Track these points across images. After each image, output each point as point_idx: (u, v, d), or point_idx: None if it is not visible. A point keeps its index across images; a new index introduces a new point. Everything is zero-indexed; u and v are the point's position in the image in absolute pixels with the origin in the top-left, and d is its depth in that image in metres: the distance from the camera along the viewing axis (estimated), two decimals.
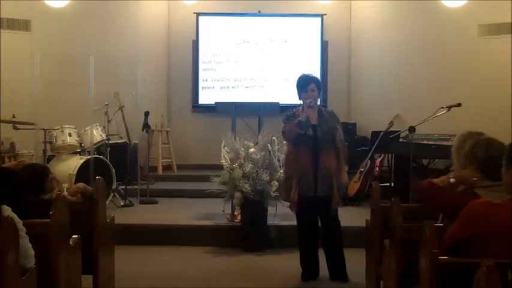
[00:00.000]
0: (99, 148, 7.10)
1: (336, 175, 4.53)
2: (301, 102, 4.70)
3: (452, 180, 2.97)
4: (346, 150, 4.73)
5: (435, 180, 3.07)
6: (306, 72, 4.87)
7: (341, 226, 4.74)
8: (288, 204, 4.72)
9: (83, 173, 6.37)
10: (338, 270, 4.65)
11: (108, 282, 4.02)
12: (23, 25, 8.05)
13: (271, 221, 5.70)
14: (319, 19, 9.26)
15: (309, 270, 4.70)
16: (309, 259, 4.71)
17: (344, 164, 4.63)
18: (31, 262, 2.76)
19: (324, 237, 4.72)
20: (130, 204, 6.89)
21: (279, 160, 5.58)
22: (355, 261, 4.59)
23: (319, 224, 4.73)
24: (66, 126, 6.78)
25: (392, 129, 7.31)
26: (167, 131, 8.95)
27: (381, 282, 3.68)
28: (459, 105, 6.13)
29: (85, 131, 6.89)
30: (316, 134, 4.54)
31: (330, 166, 4.51)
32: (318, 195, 4.51)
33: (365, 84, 9.15)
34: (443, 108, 6.16)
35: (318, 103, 4.70)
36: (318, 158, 4.51)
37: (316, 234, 4.71)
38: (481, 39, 8.01)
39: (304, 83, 4.67)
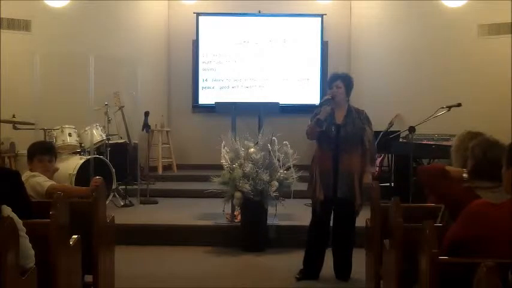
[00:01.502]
0: (99, 148, 7.10)
1: (359, 176, 4.45)
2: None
3: (465, 175, 2.93)
4: (374, 151, 4.59)
5: (448, 168, 3.03)
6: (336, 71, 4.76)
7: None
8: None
9: (83, 173, 6.38)
10: (344, 271, 4.65)
11: (108, 282, 4.02)
12: (23, 25, 8.05)
13: (271, 221, 5.70)
14: (319, 19, 9.26)
15: (310, 270, 4.69)
16: (313, 259, 4.69)
17: (370, 165, 4.51)
18: (31, 262, 2.76)
19: (336, 237, 4.65)
20: (130, 204, 6.89)
21: (279, 160, 5.58)
22: (355, 261, 4.59)
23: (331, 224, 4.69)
24: (66, 126, 6.78)
25: (392, 129, 7.30)
26: (167, 131, 8.95)
27: (381, 282, 3.69)
28: (459, 105, 6.13)
29: (85, 131, 6.89)
30: (340, 134, 4.47)
31: (352, 167, 4.44)
32: (338, 196, 4.47)
33: (365, 84, 9.11)
34: (443, 108, 6.17)
35: (346, 101, 4.58)
36: (339, 159, 4.45)
37: (326, 235, 4.68)
38: (481, 39, 8.01)
39: (331, 80, 4.59)
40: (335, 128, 4.49)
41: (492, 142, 2.81)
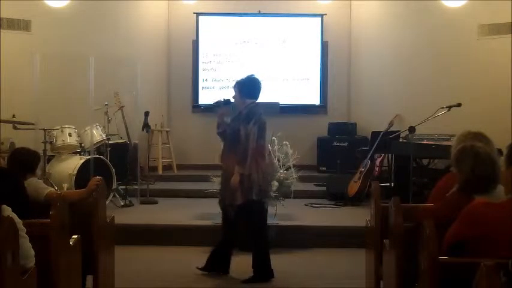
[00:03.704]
0: (99, 148, 7.10)
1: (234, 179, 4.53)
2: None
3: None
4: (243, 151, 4.48)
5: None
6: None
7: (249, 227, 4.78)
8: None
9: (83, 173, 6.37)
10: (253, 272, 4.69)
11: (108, 282, 4.03)
12: (23, 25, 8.04)
13: (271, 221, 5.69)
14: (319, 19, 9.25)
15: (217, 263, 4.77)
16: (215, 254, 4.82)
17: (238, 165, 4.47)
18: (31, 262, 2.76)
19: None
20: (130, 204, 6.89)
21: (279, 160, 5.58)
22: (355, 261, 4.59)
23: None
24: (66, 126, 6.78)
25: (392, 129, 7.30)
26: (167, 131, 8.94)
27: (381, 282, 3.69)
28: (459, 105, 6.14)
29: (85, 131, 6.89)
30: (225, 135, 4.71)
31: (228, 167, 4.59)
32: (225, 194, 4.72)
33: (365, 84, 9.14)
34: (443, 108, 6.17)
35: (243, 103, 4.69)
36: (222, 159, 4.72)
37: (226, 230, 4.87)
38: (481, 39, 8.00)
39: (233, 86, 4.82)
40: (227, 129, 4.71)
41: (478, 155, 2.76)
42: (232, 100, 4.77)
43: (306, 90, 9.11)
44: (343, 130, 8.88)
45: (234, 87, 4.74)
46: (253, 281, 4.61)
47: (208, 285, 4.59)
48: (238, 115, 4.69)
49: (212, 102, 4.80)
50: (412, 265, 2.80)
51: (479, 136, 3.01)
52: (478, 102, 7.61)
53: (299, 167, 5.74)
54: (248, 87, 4.71)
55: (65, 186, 6.31)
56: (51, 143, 6.70)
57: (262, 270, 4.66)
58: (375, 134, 7.46)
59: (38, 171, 4.01)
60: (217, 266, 4.79)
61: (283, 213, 5.88)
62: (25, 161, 3.81)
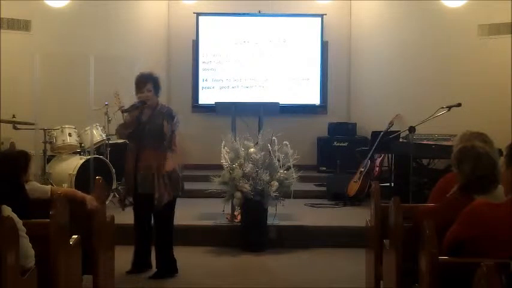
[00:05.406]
0: (99, 148, 7.10)
1: (161, 169, 4.52)
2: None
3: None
4: (172, 140, 4.57)
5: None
6: (144, 71, 4.79)
7: (172, 225, 4.75)
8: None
9: (83, 173, 6.38)
10: (161, 268, 4.68)
11: (108, 282, 4.02)
12: (23, 25, 8.04)
13: (271, 221, 5.70)
14: (319, 19, 9.25)
15: (138, 262, 4.76)
16: (140, 255, 4.78)
17: (171, 154, 4.53)
18: (31, 262, 2.77)
19: (155, 235, 4.77)
20: (130, 204, 6.84)
21: (279, 160, 5.59)
22: (355, 261, 4.59)
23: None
24: (66, 126, 6.78)
25: (392, 129, 7.30)
26: None
27: (381, 282, 3.69)
28: (459, 105, 6.13)
29: (85, 131, 6.89)
30: (144, 132, 4.63)
31: (153, 162, 4.54)
32: (139, 192, 4.62)
33: (365, 84, 9.14)
34: (443, 108, 6.17)
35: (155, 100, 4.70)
36: (142, 156, 4.59)
37: (144, 230, 4.79)
38: (481, 39, 8.00)
39: (141, 83, 4.66)
40: (140, 127, 4.64)
41: (479, 155, 2.76)
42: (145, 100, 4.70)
43: (306, 90, 9.11)
44: (343, 130, 8.88)
45: (148, 85, 4.62)
46: (159, 277, 4.65)
47: (208, 285, 4.59)
48: (157, 112, 4.66)
49: (133, 104, 4.72)
50: (412, 265, 2.80)
51: (480, 136, 3.00)
52: (478, 102, 7.60)
53: (299, 167, 5.74)
54: (160, 84, 4.74)
55: (65, 186, 6.31)
56: (51, 143, 6.70)
57: (168, 265, 4.70)
58: (375, 134, 7.46)
59: (36, 171, 3.97)
60: (141, 264, 4.79)
61: (283, 213, 5.88)
62: (16, 162, 3.76)
